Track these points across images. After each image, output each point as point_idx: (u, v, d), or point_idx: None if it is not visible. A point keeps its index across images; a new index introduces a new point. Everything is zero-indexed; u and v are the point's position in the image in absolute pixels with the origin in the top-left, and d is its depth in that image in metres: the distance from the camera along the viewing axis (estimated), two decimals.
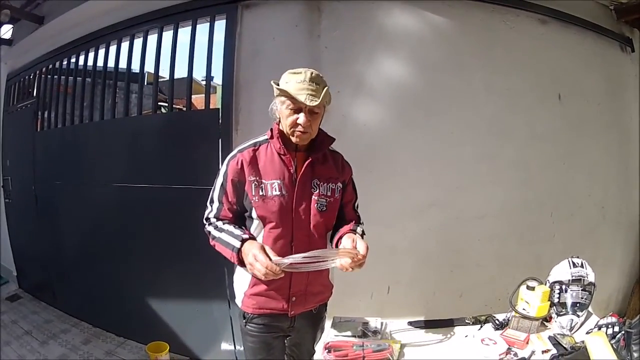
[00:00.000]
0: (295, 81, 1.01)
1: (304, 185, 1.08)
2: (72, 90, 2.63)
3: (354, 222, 1.15)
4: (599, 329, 1.24)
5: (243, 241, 0.99)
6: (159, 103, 2.42)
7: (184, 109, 2.51)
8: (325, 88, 1.02)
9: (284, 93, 1.01)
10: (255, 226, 1.09)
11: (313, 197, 1.08)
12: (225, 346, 2.04)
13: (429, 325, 1.57)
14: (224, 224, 1.08)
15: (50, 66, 2.84)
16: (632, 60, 2.59)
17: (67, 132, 2.68)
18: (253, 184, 1.05)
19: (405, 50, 1.89)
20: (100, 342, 2.41)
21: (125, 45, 2.28)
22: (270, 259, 0.92)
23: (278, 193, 1.05)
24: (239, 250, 0.98)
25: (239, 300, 1.16)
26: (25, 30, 3.16)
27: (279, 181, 1.06)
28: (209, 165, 1.78)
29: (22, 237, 3.26)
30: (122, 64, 2.30)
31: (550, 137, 2.11)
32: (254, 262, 0.93)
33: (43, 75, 2.93)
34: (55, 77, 2.81)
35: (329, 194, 1.10)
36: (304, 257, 0.92)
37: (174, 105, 2.25)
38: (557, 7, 2.16)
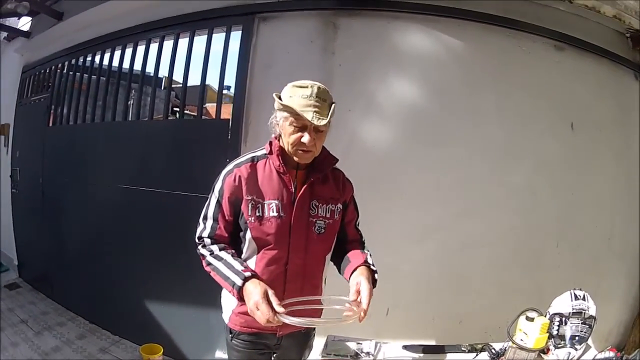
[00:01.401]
0: (300, 96, 0.93)
1: (303, 206, 1.02)
2: (86, 88, 2.67)
3: (364, 255, 1.06)
4: None
5: (245, 279, 0.92)
6: (174, 108, 2.44)
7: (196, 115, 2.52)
8: (332, 105, 0.96)
9: (289, 109, 0.94)
10: (248, 247, 1.03)
11: (311, 219, 1.03)
12: (220, 354, 2.03)
13: (424, 350, 1.56)
14: (220, 249, 1.01)
15: (67, 63, 2.88)
16: None
17: (79, 130, 2.72)
18: (250, 204, 0.99)
19: (418, 71, 1.88)
20: (95, 338, 2.42)
21: (141, 49, 2.31)
22: (273, 308, 0.86)
23: (276, 214, 0.99)
24: (240, 288, 0.92)
25: (226, 316, 1.12)
26: (44, 24, 3.22)
27: (277, 201, 1.00)
28: (215, 174, 1.78)
29: (26, 228, 3.30)
30: (137, 67, 2.34)
31: (560, 164, 2.09)
32: (256, 310, 0.87)
33: (59, 71, 2.97)
34: (71, 73, 2.86)
35: (328, 215, 1.05)
36: (310, 321, 0.87)
37: (187, 112, 2.27)
38: (573, 34, 2.15)
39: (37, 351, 2.21)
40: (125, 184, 2.29)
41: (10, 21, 3.64)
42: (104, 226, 2.48)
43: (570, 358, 1.28)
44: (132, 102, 2.44)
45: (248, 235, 1.01)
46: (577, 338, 1.31)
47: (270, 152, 1.02)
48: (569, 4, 2.17)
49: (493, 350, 1.38)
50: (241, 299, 0.93)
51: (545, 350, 1.34)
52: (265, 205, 0.99)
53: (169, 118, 2.38)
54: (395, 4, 1.85)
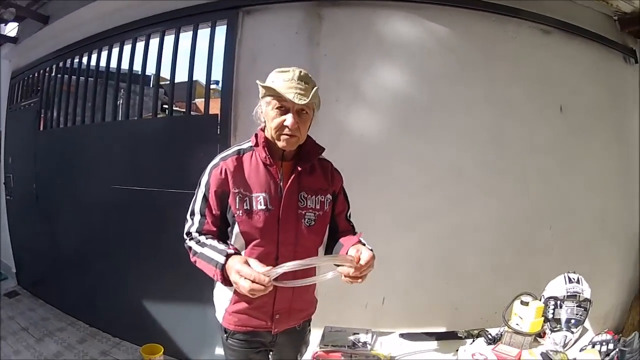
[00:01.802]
0: (282, 79, 0.93)
1: (291, 198, 1.00)
2: (74, 90, 2.65)
3: (359, 234, 1.04)
4: (593, 346, 1.23)
5: (228, 256, 0.89)
6: (163, 105, 2.43)
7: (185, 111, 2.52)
8: (315, 88, 0.95)
9: (271, 91, 0.93)
10: (235, 241, 1.00)
11: (300, 211, 1.01)
12: (220, 351, 2.04)
13: (421, 337, 1.57)
14: (207, 238, 0.98)
15: (54, 66, 2.87)
16: (635, 71, 2.56)
17: (69, 132, 2.71)
18: (237, 197, 0.97)
19: (404, 59, 1.88)
20: (95, 341, 2.42)
21: (127, 48, 2.30)
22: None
23: (263, 207, 0.98)
24: (223, 267, 0.88)
25: (219, 315, 1.11)
26: (31, 29, 3.20)
27: (264, 194, 0.98)
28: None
29: (22, 234, 3.29)
30: (124, 66, 2.33)
31: (550, 149, 2.09)
32: (238, 279, 0.83)
33: (47, 74, 2.96)
34: (59, 76, 2.84)
35: (317, 207, 1.03)
36: (300, 264, 0.82)
37: (175, 108, 2.26)
38: (561, 18, 2.14)
39: (39, 358, 2.21)
40: (118, 184, 2.28)
41: None
42: (99, 228, 2.47)
43: (566, 341, 1.29)
44: (121, 101, 2.42)
45: (236, 229, 0.99)
46: (572, 321, 1.32)
47: (256, 144, 1.01)
48: None
49: (489, 336, 1.38)
50: (225, 281, 0.90)
51: (541, 334, 1.35)
52: (253, 198, 0.98)
53: (159, 116, 2.36)
54: None
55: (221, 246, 0.94)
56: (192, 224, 1.02)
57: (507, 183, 2.00)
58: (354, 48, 1.83)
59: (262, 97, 0.98)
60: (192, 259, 1.00)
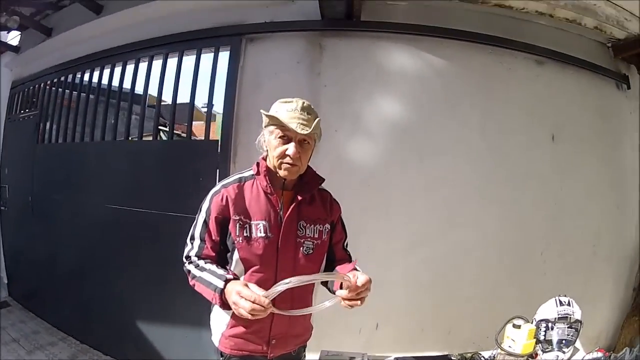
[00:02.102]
0: (285, 110, 0.96)
1: (290, 227, 1.02)
2: (75, 106, 2.66)
3: (354, 262, 1.06)
4: None
5: (227, 281, 0.91)
6: (160, 127, 2.45)
7: (183, 134, 2.53)
8: (317, 119, 0.98)
9: (274, 120, 0.96)
10: (234, 268, 1.02)
11: (299, 239, 1.03)
12: None
13: None
14: (205, 262, 1.00)
15: (56, 80, 2.87)
16: (628, 97, 2.62)
17: (69, 149, 2.71)
18: (237, 224, 0.99)
19: (402, 90, 1.93)
20: (87, 359, 2.39)
21: (130, 68, 2.33)
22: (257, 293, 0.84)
23: (263, 235, 1.00)
24: (222, 291, 0.91)
25: (215, 339, 1.12)
26: (33, 39, 3.21)
27: (264, 222, 1.00)
28: (204, 194, 1.80)
29: (16, 246, 3.27)
30: (126, 85, 2.35)
31: (543, 177, 2.14)
32: (239, 299, 0.85)
33: (48, 87, 2.96)
34: (60, 89, 2.85)
35: (316, 236, 1.05)
36: (299, 280, 0.84)
37: (174, 132, 2.28)
38: (555, 46, 2.20)
39: None
40: (115, 204, 2.29)
41: None
42: (95, 245, 2.46)
43: None
44: (120, 120, 2.44)
45: (235, 255, 1.01)
46: (564, 342, 1.35)
47: (258, 173, 1.03)
48: (550, 18, 2.22)
49: (482, 358, 1.41)
50: (224, 305, 0.92)
51: (533, 355, 1.39)
52: (253, 225, 1.00)
53: (159, 138, 2.38)
54: (379, 24, 1.89)
55: (220, 271, 0.96)
56: (191, 248, 1.04)
57: (500, 209, 2.05)
58: (354, 79, 1.88)
59: (265, 126, 1.01)
60: (191, 282, 1.02)
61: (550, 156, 2.17)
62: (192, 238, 1.05)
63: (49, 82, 2.95)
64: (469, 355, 1.56)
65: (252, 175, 1.05)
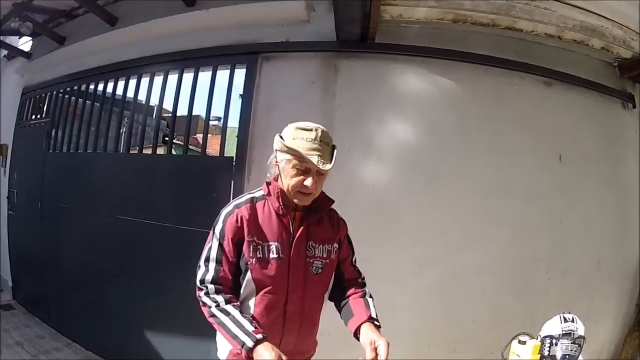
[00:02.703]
0: (304, 139, 0.96)
1: (300, 247, 1.04)
2: (88, 117, 2.68)
3: (370, 312, 1.06)
4: None
5: (257, 342, 0.92)
6: (170, 140, 2.47)
7: (193, 147, 2.54)
8: (334, 150, 1.00)
9: (294, 152, 0.96)
10: (245, 288, 1.03)
11: (308, 259, 1.05)
12: None
13: None
14: (226, 302, 0.99)
15: (68, 88, 2.90)
16: (633, 116, 2.66)
17: (81, 158, 2.73)
18: (251, 245, 1.00)
19: (414, 112, 1.96)
20: None
21: (145, 81, 2.36)
22: None
23: (276, 256, 1.01)
24: (251, 349, 0.91)
25: (222, 355, 1.11)
26: (45, 46, 3.23)
27: (276, 243, 1.02)
28: (216, 209, 1.81)
29: (22, 250, 3.28)
30: (141, 98, 2.38)
31: (549, 196, 2.17)
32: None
33: (60, 95, 2.99)
34: (73, 98, 2.87)
35: (324, 255, 1.07)
36: None
37: (177, 142, 2.30)
38: (562, 67, 2.23)
39: None
40: (126, 215, 2.31)
41: (11, 39, 3.64)
42: (103, 255, 2.48)
43: None
44: (134, 132, 2.47)
45: (248, 276, 1.01)
46: (567, 357, 1.39)
47: (269, 194, 1.04)
48: (559, 40, 2.27)
49: None
50: (249, 358, 0.93)
51: None
52: (266, 246, 1.01)
53: (172, 152, 2.40)
54: (394, 47, 1.92)
55: (247, 325, 0.95)
56: (206, 271, 1.02)
57: (507, 229, 2.08)
58: (368, 100, 1.91)
59: (280, 151, 1.00)
60: (210, 319, 1.00)
61: (557, 176, 2.20)
62: (207, 260, 1.03)
63: (61, 91, 2.97)
64: None
65: (263, 195, 1.07)
